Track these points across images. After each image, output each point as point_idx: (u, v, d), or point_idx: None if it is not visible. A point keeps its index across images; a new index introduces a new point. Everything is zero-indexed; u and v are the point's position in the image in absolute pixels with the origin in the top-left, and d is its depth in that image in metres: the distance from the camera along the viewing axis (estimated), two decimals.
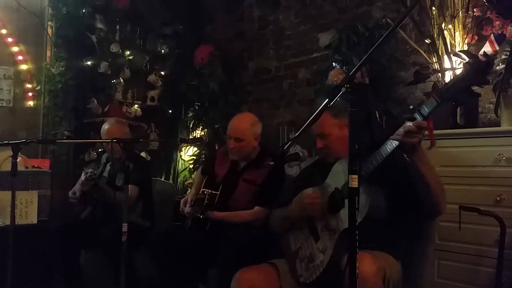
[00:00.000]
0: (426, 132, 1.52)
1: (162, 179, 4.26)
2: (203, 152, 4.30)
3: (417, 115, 1.50)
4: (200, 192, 2.55)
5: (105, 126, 3.08)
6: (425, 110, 1.49)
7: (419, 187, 1.65)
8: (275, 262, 1.95)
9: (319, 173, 2.01)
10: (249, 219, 2.45)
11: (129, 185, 2.76)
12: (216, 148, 4.09)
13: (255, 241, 2.37)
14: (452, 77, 1.39)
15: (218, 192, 2.51)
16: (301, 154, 2.10)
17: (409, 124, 1.50)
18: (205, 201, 2.33)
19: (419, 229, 1.90)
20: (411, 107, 1.55)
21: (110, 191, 2.72)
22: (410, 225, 1.85)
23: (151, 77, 4.38)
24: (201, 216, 2.36)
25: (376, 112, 2.84)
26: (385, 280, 1.58)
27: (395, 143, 1.56)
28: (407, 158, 1.62)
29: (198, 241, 2.46)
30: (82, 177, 2.82)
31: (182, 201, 2.61)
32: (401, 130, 1.51)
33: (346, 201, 1.70)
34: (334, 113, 1.92)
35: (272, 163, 2.14)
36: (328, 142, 1.97)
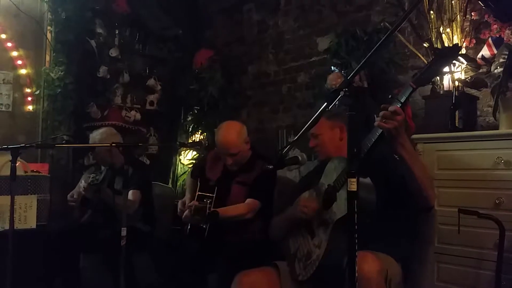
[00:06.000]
0: None
1: (161, 183, 4.25)
2: (202, 156, 4.30)
3: (395, 102, 1.56)
4: (197, 198, 2.53)
5: (96, 137, 3.02)
6: (402, 96, 1.56)
7: (407, 179, 1.66)
8: (277, 263, 1.95)
9: (317, 176, 2.03)
10: (243, 212, 2.44)
11: (131, 190, 2.77)
12: None
13: (254, 244, 2.37)
14: (425, 65, 1.60)
15: (214, 195, 2.52)
16: (300, 157, 2.11)
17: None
18: (207, 210, 2.32)
19: (417, 229, 1.90)
20: (389, 96, 1.64)
21: (111, 196, 2.71)
22: (404, 222, 1.85)
23: (151, 82, 4.38)
24: (204, 226, 2.36)
25: (375, 116, 2.84)
26: (386, 281, 1.58)
27: (378, 132, 1.60)
28: (396, 157, 1.64)
29: (197, 246, 2.46)
30: (83, 183, 2.80)
31: (180, 202, 2.60)
32: (378, 117, 1.57)
33: (338, 194, 1.75)
34: (327, 115, 2.00)
35: (271, 166, 2.15)
36: (320, 141, 2.09)
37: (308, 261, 1.83)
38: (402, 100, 1.55)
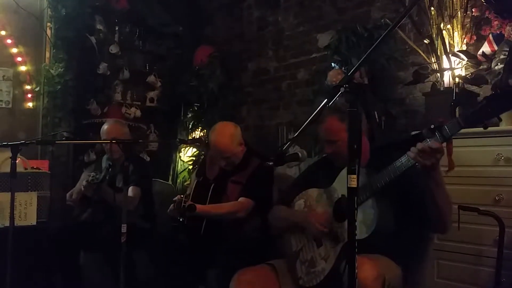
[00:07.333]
0: None
1: (161, 180, 4.26)
2: (202, 153, 4.30)
3: (437, 136, 1.44)
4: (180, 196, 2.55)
5: (105, 127, 3.07)
6: (447, 132, 1.42)
7: (428, 206, 1.61)
8: (273, 263, 1.94)
9: (325, 173, 1.98)
10: (232, 210, 2.43)
11: (132, 187, 2.78)
12: None
13: (252, 242, 2.37)
14: (479, 101, 1.30)
15: (210, 193, 2.53)
16: (300, 154, 2.09)
17: (424, 143, 1.44)
18: (182, 204, 2.32)
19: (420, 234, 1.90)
20: (432, 126, 1.46)
21: (111, 193, 2.71)
22: (412, 234, 1.83)
23: (151, 78, 4.38)
24: (181, 219, 2.37)
25: (375, 112, 2.84)
26: (384, 286, 1.56)
27: (411, 162, 1.51)
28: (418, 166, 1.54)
29: (196, 242, 2.47)
30: (84, 182, 2.80)
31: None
32: (415, 148, 1.46)
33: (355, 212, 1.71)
34: (341, 117, 1.84)
35: (271, 163, 2.14)
36: (338, 148, 1.91)
37: (312, 268, 1.80)
38: (447, 136, 1.41)
